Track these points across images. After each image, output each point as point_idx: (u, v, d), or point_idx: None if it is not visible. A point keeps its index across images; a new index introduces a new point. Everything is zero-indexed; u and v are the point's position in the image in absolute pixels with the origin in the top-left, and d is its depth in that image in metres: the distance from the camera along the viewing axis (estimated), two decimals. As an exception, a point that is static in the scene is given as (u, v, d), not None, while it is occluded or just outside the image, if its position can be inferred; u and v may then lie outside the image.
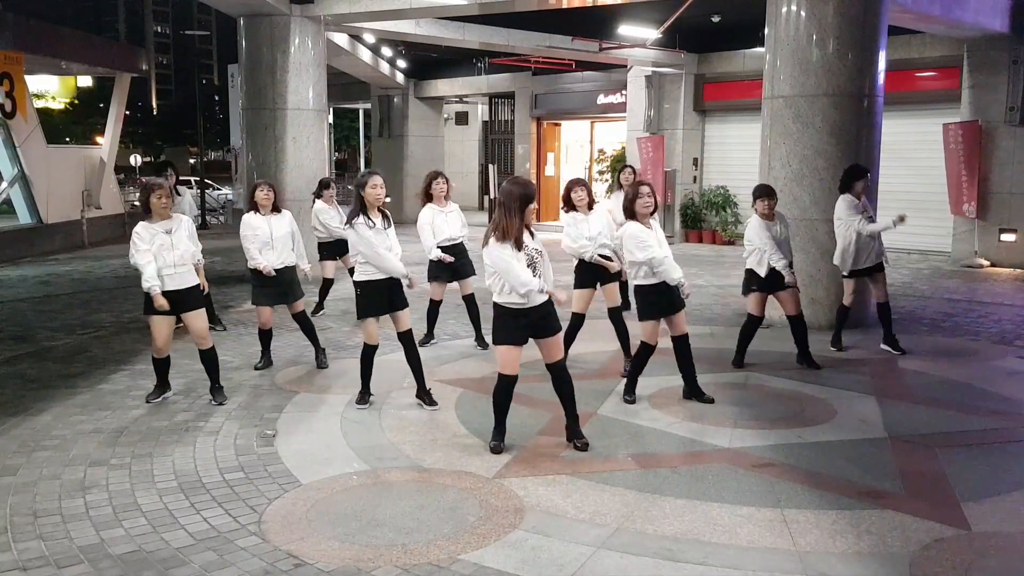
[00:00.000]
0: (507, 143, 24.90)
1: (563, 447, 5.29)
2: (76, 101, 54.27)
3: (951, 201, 13.85)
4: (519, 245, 4.99)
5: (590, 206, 6.91)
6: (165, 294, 5.95)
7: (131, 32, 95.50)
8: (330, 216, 9.35)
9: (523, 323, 5.09)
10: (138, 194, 6.41)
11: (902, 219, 7.42)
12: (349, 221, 5.95)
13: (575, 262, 6.96)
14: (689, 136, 17.64)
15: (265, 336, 7.38)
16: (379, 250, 5.88)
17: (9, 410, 6.16)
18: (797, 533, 4.14)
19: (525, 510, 4.39)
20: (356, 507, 4.44)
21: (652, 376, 6.61)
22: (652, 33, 14.76)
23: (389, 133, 23.02)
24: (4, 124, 15.12)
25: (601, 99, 19.97)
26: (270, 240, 7.05)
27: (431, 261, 7.71)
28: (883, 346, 7.83)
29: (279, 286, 7.14)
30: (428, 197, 7.71)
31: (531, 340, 5.20)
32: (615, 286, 6.96)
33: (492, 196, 19.07)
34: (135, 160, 30.80)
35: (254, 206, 7.15)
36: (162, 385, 6.41)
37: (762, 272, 6.97)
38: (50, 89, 50.32)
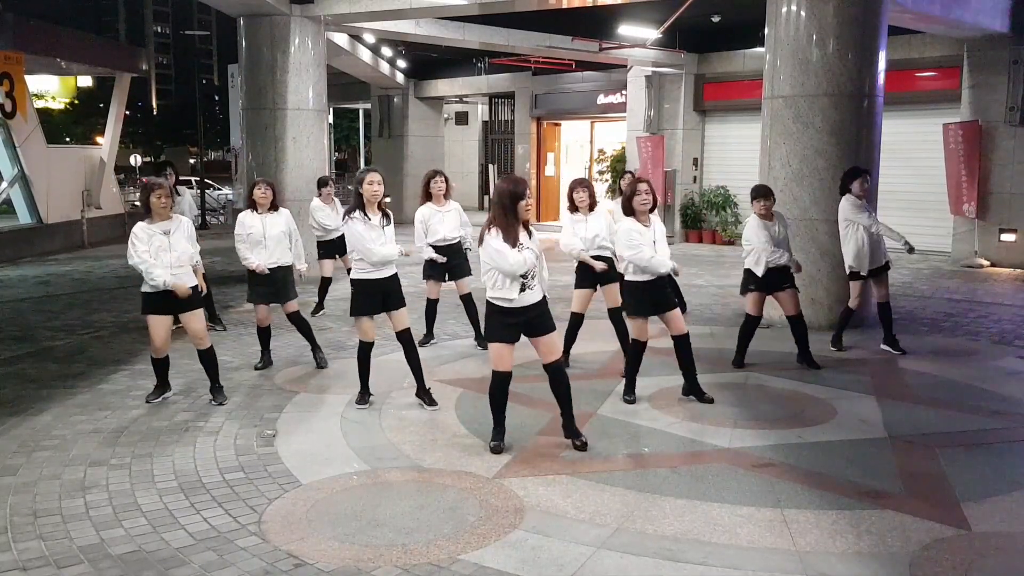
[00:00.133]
0: (507, 143, 24.91)
1: (563, 447, 5.29)
2: (76, 101, 54.28)
3: (951, 201, 13.86)
4: (514, 242, 4.99)
5: (591, 207, 6.92)
6: (162, 295, 5.98)
7: (131, 32, 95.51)
8: (325, 214, 9.35)
9: (514, 321, 5.09)
10: (138, 194, 6.41)
11: (911, 250, 7.61)
12: (345, 216, 5.98)
13: (576, 262, 6.97)
14: (689, 136, 17.64)
15: (264, 335, 7.38)
16: (367, 244, 5.88)
17: (9, 410, 6.16)
18: (797, 533, 4.14)
19: (525, 510, 4.39)
20: (356, 507, 4.44)
21: (652, 376, 6.61)
22: (652, 33, 14.76)
23: (389, 133, 23.02)
24: (4, 124, 15.12)
25: (601, 99, 19.97)
26: (263, 239, 7.05)
27: (425, 260, 7.73)
28: (883, 346, 7.83)
29: (272, 285, 7.13)
30: (427, 196, 7.73)
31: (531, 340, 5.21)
32: (615, 287, 6.94)
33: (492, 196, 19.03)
34: (135, 160, 30.82)
35: (252, 204, 7.16)
36: (162, 385, 6.41)
37: (759, 272, 6.97)
38: (50, 89, 50.32)
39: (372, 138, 25.05)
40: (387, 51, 20.69)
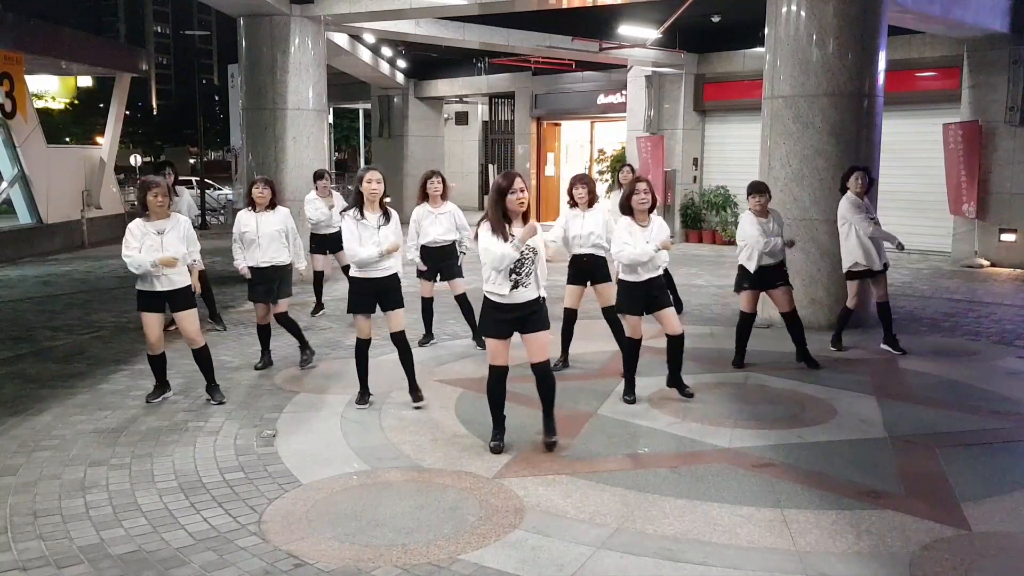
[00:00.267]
0: (507, 143, 24.91)
1: (563, 447, 5.29)
2: (76, 101, 54.27)
3: (950, 201, 13.85)
4: (504, 236, 4.97)
5: (590, 203, 6.92)
6: (155, 295, 6.01)
7: (131, 32, 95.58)
8: (313, 207, 9.32)
9: (505, 316, 5.07)
10: (136, 192, 6.41)
11: (901, 247, 7.60)
12: (341, 213, 6.01)
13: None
14: (689, 136, 17.64)
15: (263, 334, 7.37)
16: (350, 244, 5.90)
17: (9, 410, 6.15)
18: (797, 533, 4.14)
19: (525, 510, 4.39)
20: (356, 507, 4.44)
21: (652, 376, 6.61)
22: (652, 33, 14.76)
23: (389, 133, 23.02)
24: (4, 124, 15.12)
25: (601, 99, 19.98)
26: (256, 237, 7.05)
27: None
28: (883, 346, 7.83)
29: (267, 283, 7.13)
30: (424, 196, 7.74)
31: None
32: (609, 286, 6.94)
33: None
34: (135, 160, 30.79)
35: (251, 203, 7.17)
36: (162, 385, 6.41)
37: (751, 268, 6.99)
38: (50, 89, 50.33)
39: (372, 138, 25.05)
40: (387, 51, 20.69)
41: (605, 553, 3.92)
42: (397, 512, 4.37)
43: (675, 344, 6.18)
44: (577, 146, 22.77)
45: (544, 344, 5.20)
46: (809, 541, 4.05)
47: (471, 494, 4.60)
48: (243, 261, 7.15)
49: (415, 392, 6.19)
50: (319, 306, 9.67)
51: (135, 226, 6.01)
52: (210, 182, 28.06)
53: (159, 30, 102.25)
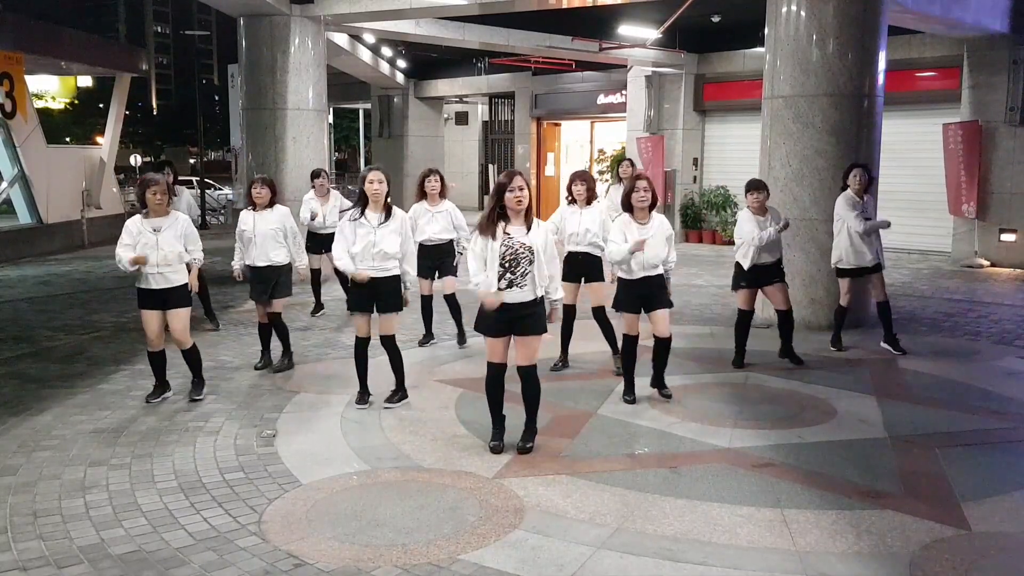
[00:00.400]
0: (507, 143, 24.90)
1: (563, 447, 5.29)
2: (76, 101, 54.27)
3: (950, 201, 13.85)
4: (493, 235, 4.97)
5: (588, 201, 6.92)
6: (150, 292, 6.03)
7: (131, 32, 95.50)
8: (307, 207, 9.30)
9: (500, 316, 5.05)
10: (135, 190, 6.41)
11: (887, 224, 7.59)
12: (341, 213, 6.03)
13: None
14: (689, 136, 17.64)
15: (264, 333, 7.36)
16: (338, 246, 5.96)
17: (9, 410, 6.15)
18: (797, 533, 4.14)
19: (525, 510, 4.39)
20: (356, 507, 4.44)
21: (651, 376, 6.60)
22: (652, 33, 14.76)
23: (389, 133, 23.02)
24: (4, 124, 15.12)
25: (601, 99, 19.97)
26: (253, 236, 7.07)
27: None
28: (883, 345, 7.83)
29: (263, 282, 7.13)
30: (422, 194, 7.76)
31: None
32: (601, 285, 6.94)
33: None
34: (135, 160, 30.76)
35: (251, 203, 7.18)
36: (162, 385, 6.41)
37: (746, 264, 7.00)
38: (50, 89, 50.29)
39: (372, 138, 25.06)
40: (387, 51, 20.69)
41: (605, 553, 3.93)
42: (397, 512, 4.37)
43: (662, 346, 6.20)
44: (577, 146, 22.77)
45: (534, 349, 5.16)
46: (809, 541, 4.05)
47: (471, 494, 4.60)
48: (239, 261, 7.19)
49: (396, 393, 6.21)
50: (319, 306, 9.66)
51: (131, 223, 6.03)
52: (210, 182, 28.05)
53: (159, 30, 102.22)
